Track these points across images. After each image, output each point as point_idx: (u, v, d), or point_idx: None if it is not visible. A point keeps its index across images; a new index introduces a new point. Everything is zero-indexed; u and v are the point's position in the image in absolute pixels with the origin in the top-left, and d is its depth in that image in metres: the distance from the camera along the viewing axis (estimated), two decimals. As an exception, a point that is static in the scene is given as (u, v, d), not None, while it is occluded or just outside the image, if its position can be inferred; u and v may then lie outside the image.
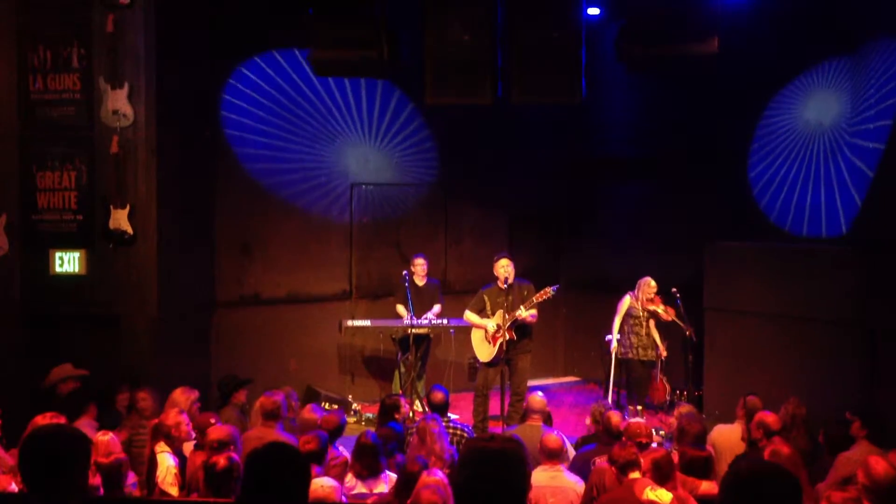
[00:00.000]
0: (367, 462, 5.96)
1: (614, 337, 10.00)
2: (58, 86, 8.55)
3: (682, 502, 5.24)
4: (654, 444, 6.49)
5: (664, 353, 9.88)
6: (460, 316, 9.69)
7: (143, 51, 8.54)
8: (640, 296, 9.86)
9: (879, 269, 8.36)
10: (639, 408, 9.79)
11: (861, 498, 4.94)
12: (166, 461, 6.08)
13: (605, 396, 10.02)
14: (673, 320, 9.61)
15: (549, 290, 8.87)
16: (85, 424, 6.68)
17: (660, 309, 9.67)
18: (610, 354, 10.37)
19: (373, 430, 6.54)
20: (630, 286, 10.12)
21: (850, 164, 9.24)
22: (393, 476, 5.91)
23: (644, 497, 5.16)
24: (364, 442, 6.04)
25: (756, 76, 9.98)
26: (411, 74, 8.49)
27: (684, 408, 7.71)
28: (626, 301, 9.96)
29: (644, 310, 9.80)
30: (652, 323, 9.87)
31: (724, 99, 10.22)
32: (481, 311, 9.24)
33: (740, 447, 6.92)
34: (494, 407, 9.38)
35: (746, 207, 10.36)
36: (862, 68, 9.09)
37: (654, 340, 9.89)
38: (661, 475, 5.47)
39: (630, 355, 9.92)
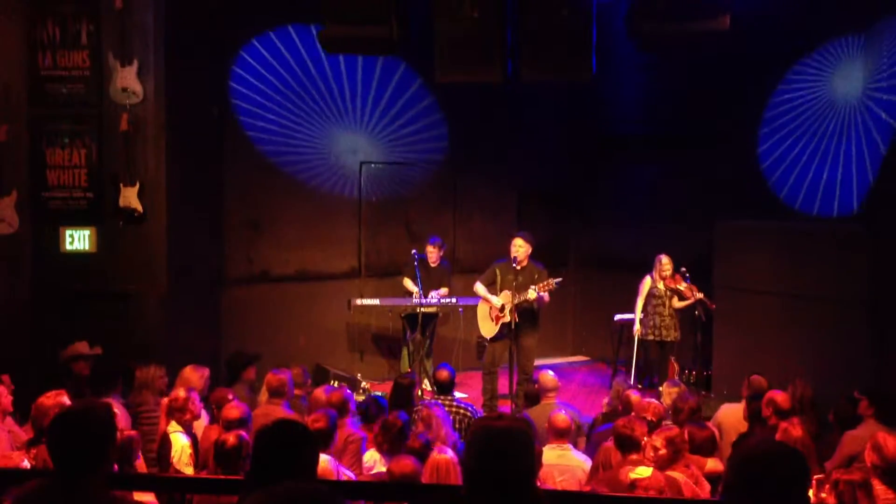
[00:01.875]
0: (392, 438, 5.99)
1: (637, 318, 10.00)
2: (67, 62, 8.54)
3: (683, 482, 5.23)
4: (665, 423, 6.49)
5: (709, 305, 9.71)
6: (469, 294, 9.69)
7: (152, 27, 8.51)
8: (656, 274, 9.84)
9: (888, 247, 8.33)
10: (660, 388, 9.77)
11: (870, 478, 4.93)
12: (180, 441, 6.08)
13: (628, 378, 10.00)
14: (700, 299, 9.52)
15: (552, 282, 8.86)
16: (112, 401, 6.72)
17: (682, 286, 9.61)
18: (619, 334, 10.42)
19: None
20: (639, 265, 10.11)
21: (862, 140, 9.19)
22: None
23: (627, 479, 5.14)
24: (393, 421, 6.07)
25: (767, 54, 9.91)
26: (421, 52, 8.44)
27: (672, 388, 7.70)
28: (647, 282, 9.94)
29: (667, 288, 9.76)
30: (675, 300, 9.81)
31: (735, 77, 10.16)
32: (491, 285, 9.24)
33: (745, 426, 6.93)
34: (503, 385, 9.40)
35: (757, 185, 10.32)
36: (874, 45, 9.02)
37: (676, 321, 9.83)
38: (674, 452, 5.49)
39: (650, 336, 9.89)
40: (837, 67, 9.59)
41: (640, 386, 9.92)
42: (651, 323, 9.86)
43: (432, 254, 10.40)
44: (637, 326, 9.99)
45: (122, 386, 7.11)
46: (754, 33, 8.99)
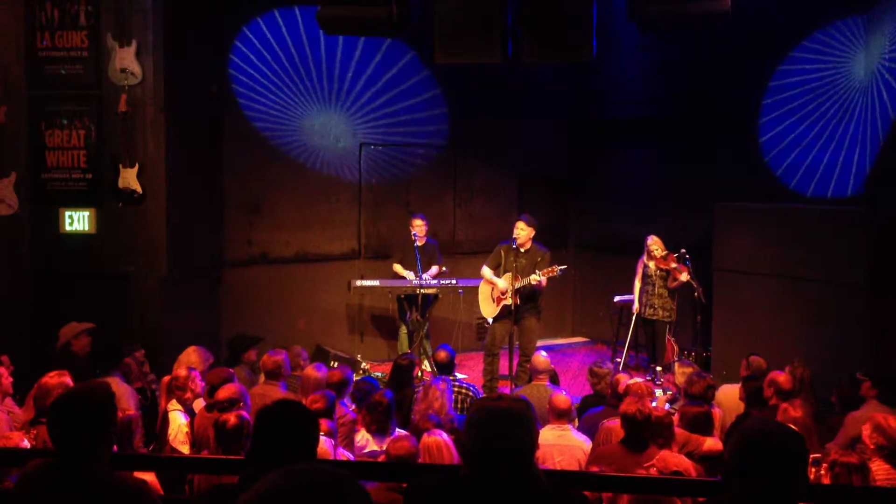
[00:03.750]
0: (379, 418, 6.01)
1: (635, 299, 10.12)
2: (65, 43, 8.51)
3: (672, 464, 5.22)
4: (654, 404, 6.51)
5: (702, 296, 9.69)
6: (469, 275, 9.69)
7: (151, 8, 8.48)
8: (645, 255, 9.93)
9: (888, 228, 8.32)
10: (658, 368, 9.84)
11: (867, 462, 4.94)
12: (178, 419, 6.13)
13: (618, 357, 10.05)
14: (688, 280, 9.54)
15: (556, 269, 8.89)
16: (115, 381, 6.74)
17: (672, 266, 9.63)
18: (618, 315, 10.47)
19: (390, 389, 6.59)
20: (639, 247, 10.16)
21: (865, 122, 9.16)
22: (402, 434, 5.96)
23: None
24: (379, 399, 6.08)
25: (768, 35, 9.88)
26: (421, 33, 8.42)
27: (685, 367, 7.73)
28: (640, 263, 10.03)
29: (657, 269, 9.82)
30: (670, 281, 9.82)
31: (736, 58, 10.14)
32: (497, 268, 9.26)
33: (743, 407, 6.94)
34: (504, 367, 9.42)
35: (757, 168, 10.31)
36: (877, 25, 8.98)
37: (667, 301, 9.88)
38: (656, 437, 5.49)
39: (644, 314, 10.02)
40: (839, 49, 9.56)
41: (652, 365, 10.00)
42: (643, 301, 9.99)
43: (420, 227, 10.32)
44: (636, 306, 10.13)
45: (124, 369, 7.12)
46: (756, 14, 8.96)
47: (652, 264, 9.87)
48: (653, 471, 4.84)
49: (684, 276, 9.52)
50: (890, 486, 5.05)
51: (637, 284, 10.14)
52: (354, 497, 1.89)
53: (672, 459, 4.95)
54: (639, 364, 10.48)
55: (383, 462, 5.11)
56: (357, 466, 4.80)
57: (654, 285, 9.91)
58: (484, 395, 8.22)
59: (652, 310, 9.95)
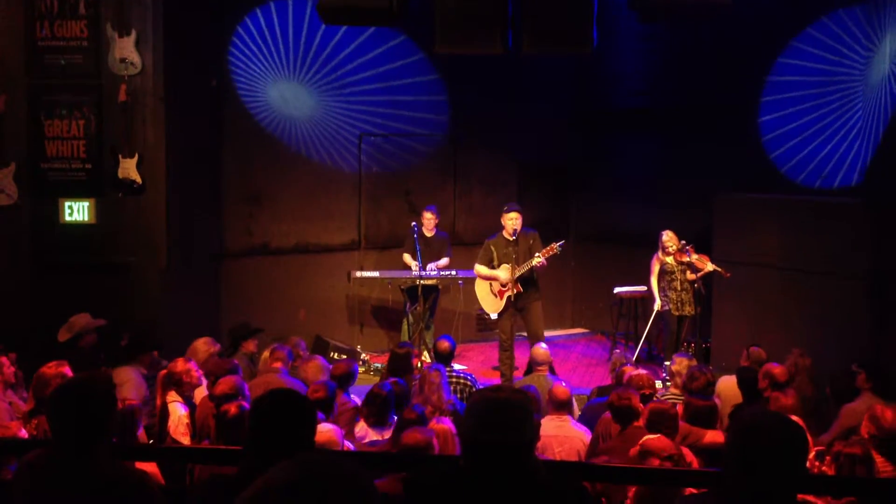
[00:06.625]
0: (376, 411, 6.02)
1: (656, 296, 9.96)
2: (65, 33, 8.49)
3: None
4: (658, 396, 6.52)
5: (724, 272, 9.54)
6: (469, 267, 9.69)
7: (150, -3, 8.47)
8: (660, 251, 9.81)
9: (888, 220, 8.30)
10: (666, 363, 9.78)
11: (869, 450, 4.95)
12: (177, 411, 6.13)
13: (627, 351, 9.99)
14: (714, 269, 9.42)
15: (555, 246, 8.84)
16: (133, 372, 6.75)
17: (693, 258, 9.54)
18: (618, 307, 10.42)
19: (390, 381, 6.58)
20: (639, 238, 10.10)
21: (866, 112, 9.14)
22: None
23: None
24: (377, 392, 6.09)
25: (769, 26, 9.85)
26: (421, 23, 8.39)
27: (682, 360, 7.71)
28: (656, 259, 9.93)
29: (677, 262, 9.73)
30: (688, 274, 9.74)
31: (737, 48, 10.10)
32: (489, 263, 9.24)
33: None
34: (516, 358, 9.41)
35: (759, 159, 10.29)
36: (875, 17, 8.95)
37: (691, 295, 9.77)
38: (657, 427, 5.48)
39: (680, 311, 9.89)
40: (840, 39, 9.53)
41: (667, 356, 9.94)
42: (666, 298, 9.86)
43: (429, 221, 10.34)
44: (658, 304, 9.95)
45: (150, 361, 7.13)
46: (756, 4, 8.94)
47: (670, 259, 9.77)
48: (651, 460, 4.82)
49: (710, 266, 9.43)
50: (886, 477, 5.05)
51: (653, 282, 9.98)
52: (363, 491, 1.87)
53: (658, 443, 4.92)
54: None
55: (385, 452, 5.12)
56: (360, 457, 4.80)
57: (677, 280, 9.80)
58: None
59: (681, 306, 9.78)
